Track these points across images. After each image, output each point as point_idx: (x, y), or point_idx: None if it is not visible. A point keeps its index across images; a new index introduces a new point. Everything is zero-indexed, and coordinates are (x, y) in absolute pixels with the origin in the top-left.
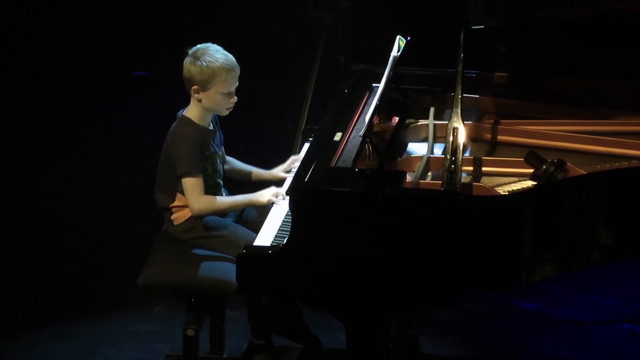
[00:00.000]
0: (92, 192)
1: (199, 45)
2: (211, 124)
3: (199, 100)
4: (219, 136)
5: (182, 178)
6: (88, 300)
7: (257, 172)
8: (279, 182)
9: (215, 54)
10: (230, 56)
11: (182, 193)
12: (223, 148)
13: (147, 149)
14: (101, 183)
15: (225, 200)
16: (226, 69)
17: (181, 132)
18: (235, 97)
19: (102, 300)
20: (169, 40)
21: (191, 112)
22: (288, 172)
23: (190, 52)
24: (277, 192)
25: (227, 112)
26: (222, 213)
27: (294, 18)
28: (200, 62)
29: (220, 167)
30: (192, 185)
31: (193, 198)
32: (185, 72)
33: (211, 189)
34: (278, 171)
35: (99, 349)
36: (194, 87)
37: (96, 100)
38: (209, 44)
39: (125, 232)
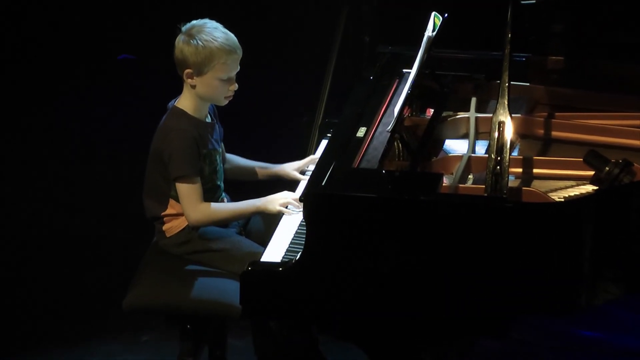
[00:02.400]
0: (67, 199)
1: (194, 22)
2: (208, 116)
3: (193, 87)
4: (218, 130)
5: (176, 182)
6: (64, 328)
7: (265, 168)
8: (290, 184)
9: (214, 32)
10: (231, 35)
11: (176, 199)
12: (223, 145)
13: (134, 147)
14: (78, 188)
15: (227, 207)
16: (226, 50)
17: (173, 126)
18: (236, 85)
19: (81, 327)
20: (160, 17)
21: (184, 102)
22: (303, 173)
23: (184, 29)
24: (289, 198)
25: (226, 102)
26: (224, 223)
27: None
28: (195, 42)
29: (220, 166)
30: (188, 191)
31: (190, 206)
32: (177, 52)
33: (210, 193)
34: (291, 169)
35: None
36: (187, 70)
37: (72, 90)
38: (207, 20)
39: (108, 245)
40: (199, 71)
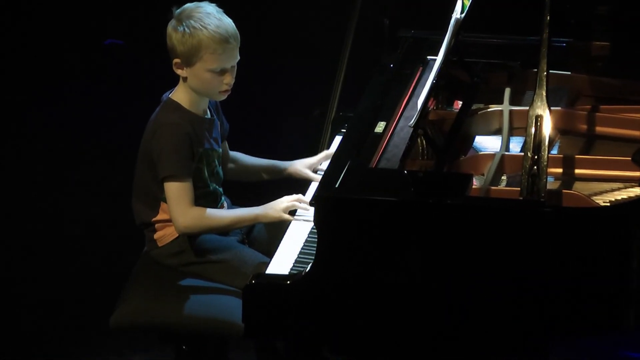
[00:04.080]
0: (44, 205)
1: (187, 5)
2: (208, 111)
3: (184, 79)
4: (219, 128)
5: (164, 182)
6: (43, 348)
7: (273, 166)
8: (301, 185)
9: (205, 17)
10: (227, 21)
11: None
12: (226, 144)
13: (122, 145)
14: (57, 192)
15: (221, 214)
16: (216, 39)
17: (165, 121)
18: (231, 78)
19: (63, 348)
20: None
21: (180, 94)
22: (316, 172)
23: (176, 13)
24: (293, 201)
25: (223, 97)
26: (218, 232)
27: None
28: (182, 28)
29: (219, 169)
30: (176, 192)
31: (177, 210)
32: (168, 39)
33: (208, 199)
34: (302, 166)
35: None
36: (176, 60)
37: (49, 81)
38: (201, 4)
39: (93, 255)
40: (187, 61)
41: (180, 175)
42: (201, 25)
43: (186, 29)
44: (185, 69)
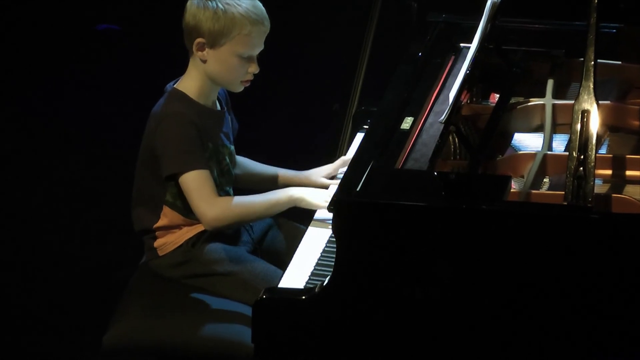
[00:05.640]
0: (32, 207)
1: None
2: (217, 104)
3: (203, 62)
4: (229, 122)
5: (179, 177)
6: None
7: (286, 175)
8: None
9: None
10: (259, 2)
11: (172, 206)
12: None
13: (121, 142)
14: (46, 193)
15: (254, 200)
16: (252, 19)
17: (169, 111)
18: (257, 67)
19: None
20: None
21: (188, 82)
22: (334, 178)
23: None
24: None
25: (242, 88)
26: (252, 221)
27: None
28: (214, 4)
29: (231, 168)
30: (196, 183)
31: (203, 203)
32: (188, 17)
33: None
34: (320, 176)
35: None
36: (199, 40)
37: (40, 69)
38: None
39: (85, 266)
40: (214, 42)
41: (194, 164)
42: (236, 2)
43: (219, 4)
44: (208, 50)
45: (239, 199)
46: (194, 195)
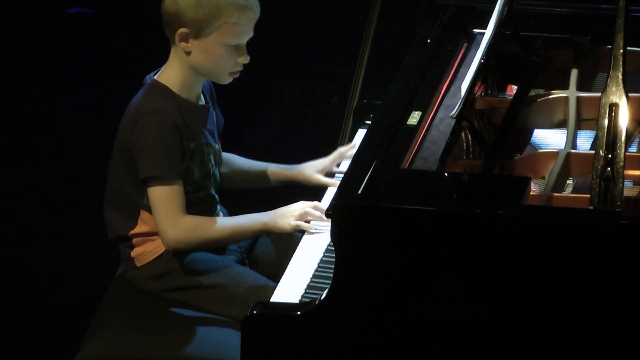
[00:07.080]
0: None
1: None
2: (202, 97)
3: (187, 54)
4: (214, 118)
5: (147, 186)
6: None
7: (277, 171)
8: (313, 192)
9: None
10: None
11: (150, 211)
12: (219, 143)
13: (92, 139)
14: (9, 197)
15: (222, 224)
16: (240, 6)
17: (148, 108)
18: (247, 56)
19: None
20: None
21: (169, 74)
22: (331, 175)
23: None
24: (309, 208)
25: (230, 79)
26: (217, 246)
27: None
28: None
29: (215, 169)
30: (163, 198)
31: (166, 220)
32: (167, 5)
33: (203, 205)
34: (313, 170)
35: None
36: (182, 30)
37: (4, 58)
38: None
39: (53, 278)
40: (199, 32)
41: (167, 176)
42: None
43: None
44: (192, 41)
45: (206, 222)
46: (159, 210)
